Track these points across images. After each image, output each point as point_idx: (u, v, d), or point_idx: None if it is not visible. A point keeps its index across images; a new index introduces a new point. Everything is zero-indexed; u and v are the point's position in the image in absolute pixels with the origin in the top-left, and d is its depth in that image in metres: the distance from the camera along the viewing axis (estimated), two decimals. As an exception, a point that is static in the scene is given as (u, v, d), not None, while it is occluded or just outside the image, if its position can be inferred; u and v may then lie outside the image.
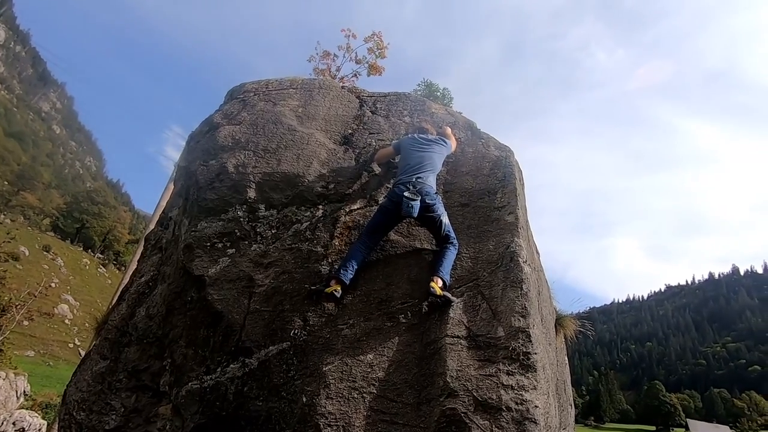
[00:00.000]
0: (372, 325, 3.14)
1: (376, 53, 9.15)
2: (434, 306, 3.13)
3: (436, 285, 3.08)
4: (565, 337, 4.91)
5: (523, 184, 4.35)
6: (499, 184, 3.91)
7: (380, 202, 3.75)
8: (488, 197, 3.84)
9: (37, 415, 14.10)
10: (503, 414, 2.56)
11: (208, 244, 3.64)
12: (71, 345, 42.82)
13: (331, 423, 2.73)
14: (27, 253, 51.60)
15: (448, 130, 4.25)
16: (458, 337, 2.94)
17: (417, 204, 3.32)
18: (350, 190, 3.93)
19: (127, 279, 6.32)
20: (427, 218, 3.42)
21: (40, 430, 13.34)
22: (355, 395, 2.82)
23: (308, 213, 3.80)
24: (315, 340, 3.12)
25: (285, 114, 4.47)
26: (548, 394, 2.96)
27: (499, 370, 2.74)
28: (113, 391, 3.61)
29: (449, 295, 3.11)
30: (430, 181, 3.60)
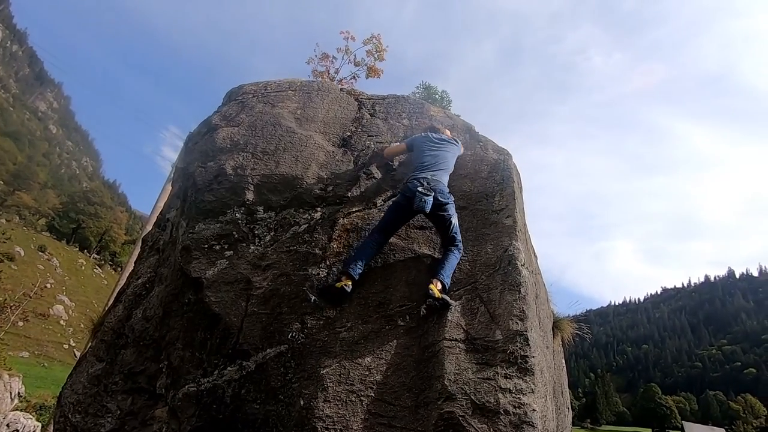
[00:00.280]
0: (370, 328, 3.14)
1: (375, 56, 9.17)
2: (432, 309, 3.13)
3: (435, 288, 3.09)
4: (563, 340, 4.92)
5: (521, 187, 4.36)
6: (498, 187, 3.92)
7: (394, 199, 3.73)
8: (486, 200, 3.85)
9: (31, 416, 13.99)
10: (501, 417, 2.56)
11: (206, 246, 3.63)
12: (66, 346, 42.56)
13: (329, 426, 2.72)
14: (22, 254, 51.30)
15: (449, 134, 4.27)
16: (456, 340, 2.94)
17: (430, 200, 3.34)
18: (348, 192, 3.93)
19: (124, 280, 6.29)
20: (438, 216, 3.42)
21: (34, 431, 13.24)
22: (353, 398, 2.82)
23: (306, 215, 3.80)
24: (313, 343, 3.11)
25: (284, 116, 4.47)
26: (546, 398, 2.96)
27: (497, 373, 2.74)
28: (109, 393, 3.59)
29: (448, 298, 3.12)
30: (444, 180, 3.62)
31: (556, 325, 4.68)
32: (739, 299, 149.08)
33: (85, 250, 76.42)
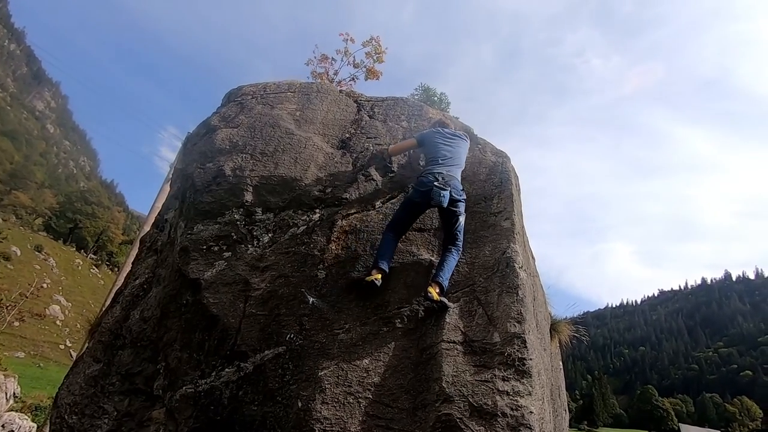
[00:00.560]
0: (368, 330, 3.14)
1: (374, 57, 9.19)
2: (431, 311, 3.13)
3: (434, 290, 3.09)
4: (560, 342, 4.93)
5: (519, 189, 4.37)
6: (496, 189, 3.93)
7: (406, 195, 3.74)
8: (485, 203, 3.86)
9: (26, 417, 13.92)
10: (498, 420, 2.56)
11: (204, 247, 3.63)
12: (62, 346, 42.36)
13: (327, 428, 2.72)
14: (19, 253, 51.05)
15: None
16: (454, 342, 2.95)
17: (447, 194, 3.36)
18: (347, 194, 3.93)
19: (121, 281, 6.27)
20: (449, 212, 3.43)
21: (29, 432, 13.16)
22: (351, 400, 2.82)
23: (305, 217, 3.80)
24: (311, 344, 3.11)
25: (283, 117, 4.47)
26: (543, 400, 2.97)
27: (495, 375, 2.75)
28: (106, 394, 3.58)
29: (446, 300, 3.12)
30: (458, 176, 3.64)
31: (554, 327, 4.69)
32: (736, 302, 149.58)
33: (82, 250, 76.13)
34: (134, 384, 3.54)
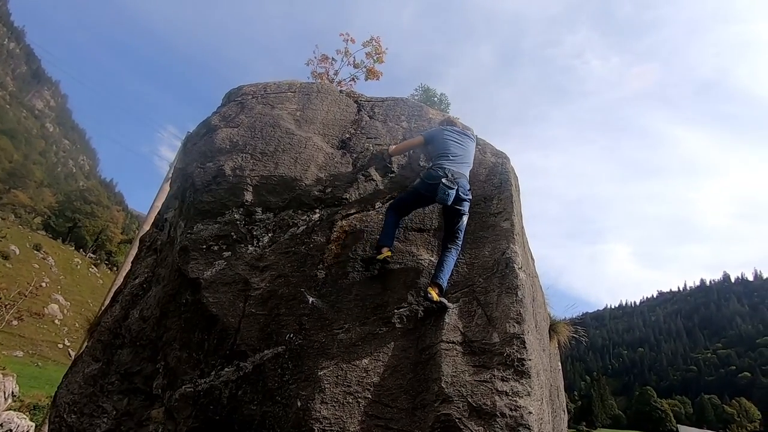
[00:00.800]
0: (367, 330, 3.15)
1: (374, 58, 9.18)
2: (430, 311, 3.14)
3: (433, 291, 3.10)
4: (559, 343, 4.93)
5: (519, 190, 4.38)
6: (496, 190, 3.94)
7: (414, 183, 3.75)
8: (484, 203, 3.86)
9: (25, 416, 13.90)
10: (497, 420, 2.57)
11: (204, 246, 3.63)
12: (61, 346, 42.29)
13: (326, 428, 2.72)
14: (17, 252, 50.96)
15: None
16: (453, 342, 2.95)
17: (453, 193, 3.36)
18: (347, 194, 3.94)
19: (121, 280, 6.27)
20: (453, 210, 3.43)
21: (27, 431, 13.15)
22: (350, 400, 2.82)
23: (305, 217, 3.81)
24: (310, 344, 3.11)
25: (283, 117, 4.47)
26: (542, 400, 2.97)
27: (494, 376, 2.75)
28: (105, 393, 3.58)
29: (445, 300, 3.13)
30: (467, 175, 3.64)
31: (553, 328, 4.69)
32: (734, 303, 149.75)
33: (81, 249, 76.00)
34: (133, 383, 3.55)
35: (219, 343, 3.26)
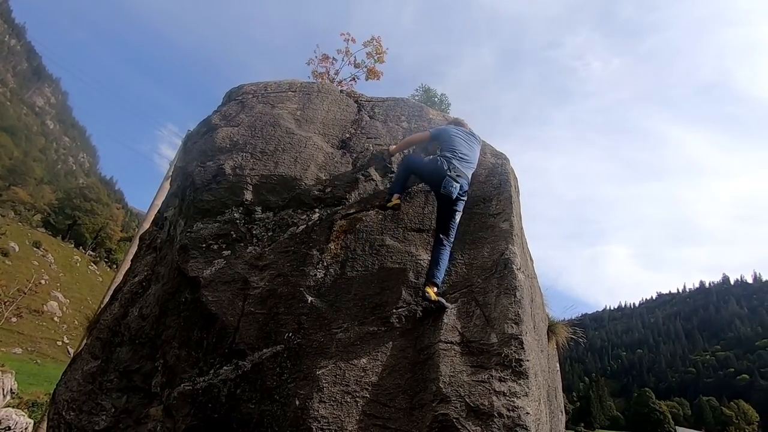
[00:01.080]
0: (366, 330, 3.15)
1: (375, 58, 9.18)
2: (428, 311, 3.15)
3: (431, 290, 3.11)
4: (557, 344, 4.94)
5: (518, 191, 4.39)
6: (495, 191, 3.95)
7: (424, 159, 3.82)
8: (484, 204, 3.87)
9: (23, 413, 13.92)
10: (495, 420, 2.58)
11: (204, 245, 3.64)
12: (60, 343, 42.30)
13: (324, 427, 2.73)
14: (17, 249, 50.95)
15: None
16: (452, 342, 2.96)
17: (457, 187, 3.41)
18: (347, 194, 3.94)
19: (120, 278, 6.28)
20: (449, 206, 3.46)
21: (26, 429, 13.16)
22: (348, 399, 2.83)
23: (305, 216, 3.81)
24: (309, 343, 3.12)
25: (283, 117, 4.48)
26: (539, 401, 2.98)
27: (492, 376, 2.76)
28: (104, 391, 3.58)
29: (444, 301, 3.14)
30: (470, 176, 3.68)
31: (551, 329, 4.70)
32: (734, 305, 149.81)
33: (81, 247, 75.99)
34: (132, 381, 3.55)
35: (218, 342, 3.26)
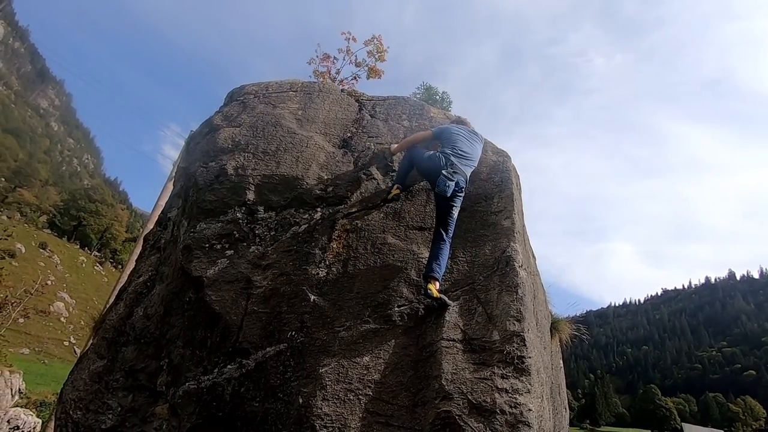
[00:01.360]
0: (368, 328, 3.17)
1: (376, 56, 9.19)
2: (430, 309, 3.16)
3: (433, 287, 3.12)
4: (561, 341, 4.94)
5: (520, 188, 4.38)
6: (496, 189, 3.95)
7: (426, 154, 3.83)
8: (485, 202, 3.87)
9: (31, 413, 14.05)
10: (497, 417, 2.58)
11: (207, 245, 3.67)
12: (67, 343, 42.65)
13: (327, 424, 2.75)
14: (23, 251, 51.40)
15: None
16: (454, 340, 2.97)
17: (452, 186, 3.42)
18: (348, 193, 3.96)
19: (125, 278, 6.32)
20: (445, 202, 3.48)
21: (34, 428, 13.30)
22: (351, 397, 2.85)
23: (306, 215, 3.83)
24: (312, 342, 3.14)
25: (285, 117, 4.50)
26: (542, 398, 2.99)
27: (494, 373, 2.77)
28: (110, 390, 3.62)
29: (446, 298, 3.14)
30: (468, 174, 3.69)
31: (554, 326, 4.70)
32: (740, 301, 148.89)
33: (86, 248, 76.53)
34: (138, 380, 3.59)
35: (222, 341, 3.29)
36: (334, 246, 3.62)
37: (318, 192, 3.94)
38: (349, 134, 4.52)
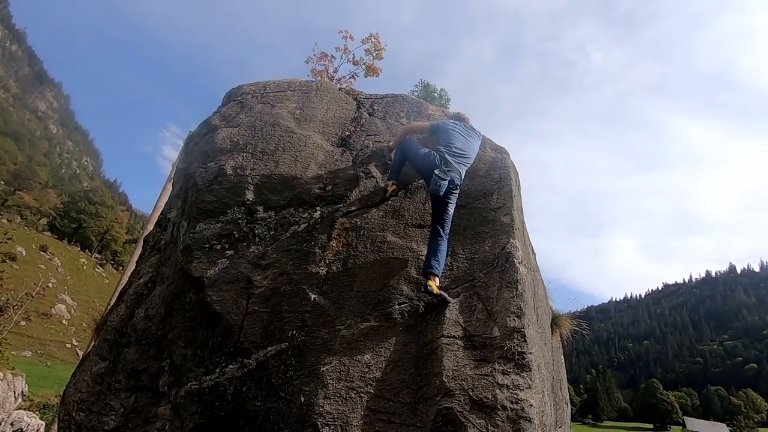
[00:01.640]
0: (369, 326, 3.18)
1: (374, 54, 9.17)
2: (431, 306, 3.16)
3: (433, 283, 3.12)
4: (561, 337, 4.96)
5: (519, 185, 4.38)
6: (495, 185, 3.95)
7: (421, 151, 3.82)
8: (484, 199, 3.87)
9: (35, 415, 14.10)
10: (498, 413, 2.59)
11: (207, 245, 3.67)
12: (68, 345, 42.74)
13: (329, 422, 2.76)
14: (24, 253, 51.45)
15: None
16: (454, 337, 2.98)
17: (445, 185, 3.42)
18: (347, 191, 3.96)
19: (126, 280, 6.33)
20: (439, 200, 3.49)
21: (38, 430, 13.34)
22: (353, 395, 2.86)
23: (306, 215, 3.83)
24: (313, 340, 3.15)
25: (283, 116, 4.49)
26: (543, 393, 3.00)
27: (495, 369, 2.77)
28: (112, 391, 3.63)
29: (446, 295, 3.15)
30: (463, 172, 3.69)
31: (555, 321, 4.71)
32: (741, 295, 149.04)
33: (87, 250, 76.58)
34: (140, 381, 3.60)
35: (223, 341, 3.30)
36: (334, 245, 3.62)
37: (317, 191, 3.94)
38: (347, 133, 4.52)
